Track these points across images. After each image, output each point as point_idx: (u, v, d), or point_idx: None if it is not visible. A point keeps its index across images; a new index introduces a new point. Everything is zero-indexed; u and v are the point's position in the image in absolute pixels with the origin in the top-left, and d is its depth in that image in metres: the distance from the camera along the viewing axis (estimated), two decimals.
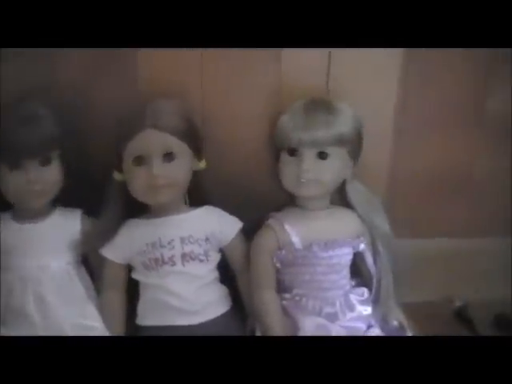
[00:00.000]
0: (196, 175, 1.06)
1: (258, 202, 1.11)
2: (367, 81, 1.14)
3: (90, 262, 1.09)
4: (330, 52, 1.11)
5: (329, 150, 1.01)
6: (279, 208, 1.09)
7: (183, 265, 1.02)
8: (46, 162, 1.01)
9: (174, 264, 1.01)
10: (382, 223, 1.10)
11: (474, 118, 1.19)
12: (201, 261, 1.03)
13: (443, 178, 1.25)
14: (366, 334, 1.04)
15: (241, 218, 1.08)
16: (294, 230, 1.04)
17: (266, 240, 1.05)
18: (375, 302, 1.09)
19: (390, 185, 1.22)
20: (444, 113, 1.19)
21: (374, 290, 1.09)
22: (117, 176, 1.04)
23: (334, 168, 1.03)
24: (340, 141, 1.01)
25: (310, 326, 1.02)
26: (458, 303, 1.30)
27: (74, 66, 1.06)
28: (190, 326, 1.02)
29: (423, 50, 1.05)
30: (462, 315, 1.29)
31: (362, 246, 1.07)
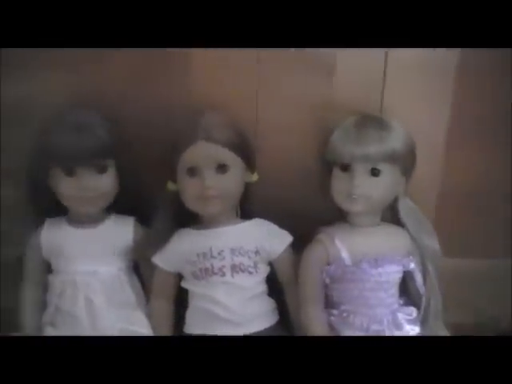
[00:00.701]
0: (248, 187, 1.07)
1: (308, 217, 1.10)
2: (421, 98, 1.12)
3: (140, 270, 1.11)
4: (385, 68, 1.10)
5: (381, 166, 1.01)
6: (329, 223, 1.09)
7: (232, 276, 1.02)
8: (101, 169, 1.03)
9: (223, 275, 1.02)
10: (432, 242, 1.09)
11: None
12: (250, 273, 1.03)
13: (493, 196, 1.22)
14: None
15: (290, 231, 1.09)
16: (344, 246, 1.04)
17: (316, 254, 1.05)
18: (423, 321, 1.08)
19: (440, 202, 1.21)
20: (495, 128, 1.17)
21: (422, 310, 1.08)
22: (170, 186, 1.05)
23: (386, 185, 1.02)
24: (392, 157, 1.00)
25: None
26: (504, 324, 1.27)
27: (126, 75, 1.08)
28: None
29: (479, 60, 1.05)
30: (508, 336, 1.26)
31: (411, 265, 1.06)
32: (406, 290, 1.11)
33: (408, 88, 1.12)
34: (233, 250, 1.03)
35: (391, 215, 1.10)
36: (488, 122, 1.16)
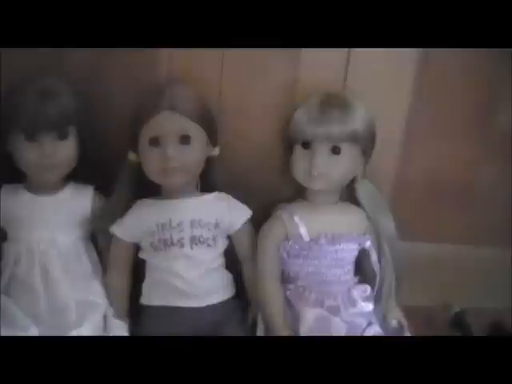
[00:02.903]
0: (209, 161, 1.07)
1: (268, 194, 1.12)
2: (383, 82, 1.14)
3: (98, 240, 1.10)
4: (348, 51, 1.11)
5: (342, 145, 1.02)
6: (288, 200, 1.10)
7: (191, 248, 1.03)
8: (62, 136, 1.01)
9: (182, 246, 1.02)
10: (388, 223, 1.11)
11: (486, 124, 1.20)
12: (208, 245, 1.04)
13: (448, 184, 1.25)
14: (365, 331, 1.04)
15: (250, 206, 1.09)
16: (302, 222, 1.05)
17: (274, 229, 1.06)
18: (377, 300, 1.10)
19: (396, 186, 1.23)
20: (454, 119, 1.20)
21: (376, 288, 1.10)
22: (131, 156, 1.05)
23: (346, 164, 1.04)
24: (354, 137, 1.02)
25: (312, 318, 1.03)
26: (455, 309, 1.31)
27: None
28: (192, 309, 1.03)
29: (440, 52, 1.07)
30: (459, 322, 1.29)
31: (368, 243, 1.08)
32: (361, 269, 1.13)
33: (371, 71, 1.14)
34: (192, 222, 1.03)
35: (349, 195, 1.12)
36: (448, 111, 1.19)
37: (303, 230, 1.04)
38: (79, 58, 1.06)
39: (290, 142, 1.06)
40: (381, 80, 1.14)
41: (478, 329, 1.27)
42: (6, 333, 0.96)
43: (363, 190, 1.10)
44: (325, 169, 1.02)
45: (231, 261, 1.10)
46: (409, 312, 1.14)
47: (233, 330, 1.03)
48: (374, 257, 1.10)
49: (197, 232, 1.03)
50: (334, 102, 1.03)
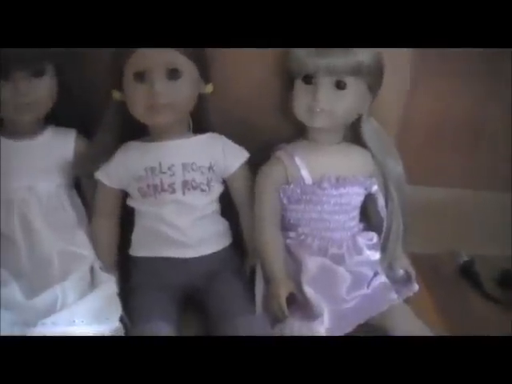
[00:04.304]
0: (201, 99, 0.98)
1: (266, 133, 1.03)
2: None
3: (82, 187, 1.03)
4: None
5: (347, 79, 0.93)
6: (288, 140, 1.02)
7: (183, 193, 0.95)
8: (37, 73, 0.93)
9: (173, 192, 0.95)
10: (396, 165, 1.04)
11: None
12: (202, 190, 0.96)
13: (456, 128, 1.17)
14: (371, 282, 0.98)
15: (247, 148, 1.01)
16: (304, 164, 0.97)
17: (273, 172, 0.98)
18: (383, 247, 1.03)
19: (404, 128, 1.14)
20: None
21: (383, 235, 1.03)
22: (115, 94, 0.96)
23: (351, 99, 0.95)
24: (359, 70, 0.94)
25: (315, 267, 0.96)
26: (464, 258, 1.26)
27: None
28: (184, 260, 0.96)
29: None
30: (467, 270, 1.25)
31: (374, 187, 1.01)
32: (366, 215, 1.05)
33: None
34: (184, 165, 0.95)
35: (353, 135, 1.03)
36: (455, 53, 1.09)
37: (305, 173, 0.97)
38: None
39: (290, 76, 0.98)
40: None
41: (486, 278, 1.22)
42: None
43: (369, 129, 1.02)
44: (328, 105, 0.94)
45: (227, 207, 1.02)
46: (415, 260, 1.07)
47: (229, 281, 0.97)
48: (381, 201, 1.02)
49: (189, 176, 0.95)
50: None
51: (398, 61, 1.04)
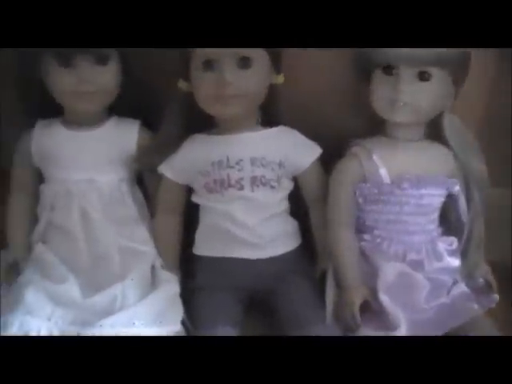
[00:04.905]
0: (272, 90, 0.92)
1: (340, 128, 0.96)
2: None
3: (144, 181, 0.98)
4: None
5: (431, 70, 0.86)
6: (365, 135, 0.95)
7: (252, 190, 0.89)
8: (101, 60, 0.88)
9: (241, 188, 0.89)
10: (480, 166, 0.95)
11: None
12: (272, 187, 0.90)
13: None
14: (451, 290, 0.91)
15: (320, 143, 0.95)
16: (382, 161, 0.90)
17: (349, 170, 0.91)
18: (464, 253, 0.96)
19: (485, 124, 1.05)
20: None
21: (463, 241, 0.96)
22: (182, 84, 0.91)
23: (436, 92, 0.88)
24: (444, 60, 0.86)
25: (392, 274, 0.89)
26: None
27: None
28: (252, 261, 0.90)
29: None
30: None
31: (456, 188, 0.93)
32: (446, 218, 0.97)
33: None
34: (253, 160, 0.89)
35: (434, 133, 0.95)
36: None
37: (383, 171, 0.90)
38: None
39: (368, 65, 0.91)
40: None
41: None
42: (43, 285, 0.86)
43: (451, 126, 0.95)
44: (412, 97, 0.87)
45: (296, 206, 0.96)
46: (495, 268, 0.99)
47: (298, 285, 0.91)
48: (462, 203, 0.95)
49: (258, 171, 0.89)
50: None
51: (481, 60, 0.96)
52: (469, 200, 0.96)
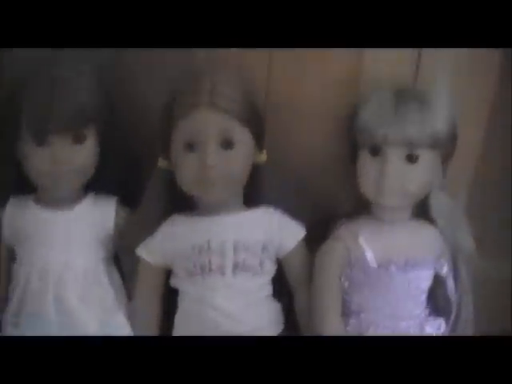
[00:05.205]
0: (255, 169, 0.89)
1: (326, 207, 0.95)
2: (462, 78, 0.94)
3: (122, 262, 0.94)
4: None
5: (419, 152, 0.84)
6: (350, 216, 0.93)
7: (234, 275, 0.86)
8: (78, 138, 0.86)
9: (223, 273, 0.86)
10: (468, 242, 0.93)
11: None
12: (254, 273, 0.87)
13: None
14: None
15: (304, 224, 0.92)
16: (369, 244, 0.88)
17: (335, 253, 0.89)
18: (452, 333, 0.93)
19: (473, 196, 1.04)
20: None
21: (451, 321, 0.93)
22: (162, 163, 0.88)
23: (424, 175, 0.86)
24: (434, 142, 0.85)
25: None
26: None
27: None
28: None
29: None
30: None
31: (444, 269, 0.91)
32: (433, 297, 0.94)
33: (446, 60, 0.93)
34: (236, 245, 0.86)
35: (420, 209, 0.94)
36: None
37: (370, 255, 0.87)
38: None
39: (355, 146, 0.89)
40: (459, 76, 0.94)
41: None
42: None
43: (438, 203, 0.93)
44: (399, 181, 0.85)
45: (280, 288, 0.93)
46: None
47: None
48: (450, 284, 0.93)
49: (241, 256, 0.86)
50: (409, 98, 0.85)
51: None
52: (456, 278, 0.93)
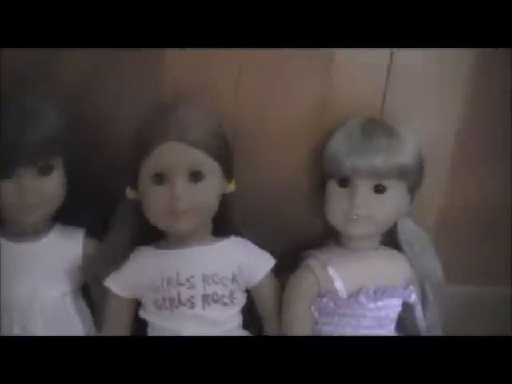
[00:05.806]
0: (224, 199, 0.89)
1: (294, 237, 0.95)
2: (429, 100, 0.96)
3: (90, 294, 0.93)
4: (389, 64, 0.93)
5: (387, 182, 0.85)
6: (319, 245, 0.93)
7: (203, 308, 0.85)
8: (45, 170, 0.85)
9: (192, 306, 0.85)
10: (434, 268, 0.95)
11: None
12: (224, 304, 0.87)
13: (500, 220, 1.07)
14: None
15: (272, 254, 0.92)
16: (338, 274, 0.88)
17: (304, 284, 0.89)
18: None
19: (441, 223, 1.05)
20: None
21: None
22: (130, 194, 0.87)
23: (391, 204, 0.87)
24: (401, 173, 0.86)
25: None
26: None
27: (84, 62, 0.91)
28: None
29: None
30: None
31: (413, 297, 0.92)
32: (400, 325, 0.95)
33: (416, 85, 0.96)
34: (205, 277, 0.86)
35: (388, 238, 0.95)
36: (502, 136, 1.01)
37: (339, 285, 0.88)
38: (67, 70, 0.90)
39: (323, 176, 0.90)
40: (426, 98, 0.95)
41: None
42: None
43: (405, 231, 0.94)
44: (367, 211, 0.85)
45: (250, 318, 0.93)
46: None
47: None
48: (418, 312, 0.94)
49: (210, 289, 0.86)
50: (377, 129, 0.86)
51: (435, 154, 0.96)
52: (424, 305, 0.94)
